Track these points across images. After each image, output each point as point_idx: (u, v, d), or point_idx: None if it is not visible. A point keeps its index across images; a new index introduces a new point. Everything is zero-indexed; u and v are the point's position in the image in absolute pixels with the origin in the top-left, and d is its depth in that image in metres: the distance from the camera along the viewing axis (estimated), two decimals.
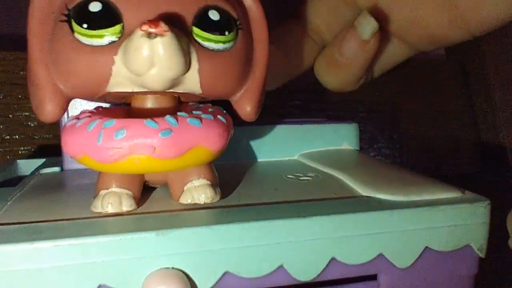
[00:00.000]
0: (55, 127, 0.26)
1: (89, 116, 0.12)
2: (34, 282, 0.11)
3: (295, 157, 0.20)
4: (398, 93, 0.43)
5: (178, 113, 0.12)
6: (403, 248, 0.13)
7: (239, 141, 0.20)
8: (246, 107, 0.14)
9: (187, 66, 0.12)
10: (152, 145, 0.11)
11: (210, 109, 0.13)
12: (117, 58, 0.12)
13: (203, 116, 0.12)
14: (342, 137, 0.21)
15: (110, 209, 0.12)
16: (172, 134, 0.11)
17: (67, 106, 0.13)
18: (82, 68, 0.12)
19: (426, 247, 0.13)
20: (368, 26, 0.20)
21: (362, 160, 0.19)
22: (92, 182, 0.14)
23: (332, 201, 0.14)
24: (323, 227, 0.12)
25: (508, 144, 0.46)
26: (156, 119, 0.12)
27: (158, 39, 0.11)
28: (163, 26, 0.11)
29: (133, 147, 0.11)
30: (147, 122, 0.12)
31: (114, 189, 0.13)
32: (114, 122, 0.12)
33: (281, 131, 0.20)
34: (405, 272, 0.13)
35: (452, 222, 0.13)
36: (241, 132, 0.19)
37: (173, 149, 0.11)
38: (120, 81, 0.12)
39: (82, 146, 0.12)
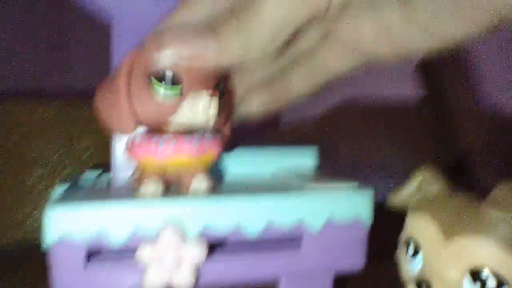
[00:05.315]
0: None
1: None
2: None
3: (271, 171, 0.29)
4: None
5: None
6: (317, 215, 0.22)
7: None
8: (225, 136, 0.24)
9: None
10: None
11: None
12: (183, 106, 0.21)
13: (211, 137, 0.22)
14: (305, 157, 0.30)
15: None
16: (198, 143, 0.21)
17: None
18: (154, 114, 0.21)
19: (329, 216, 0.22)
20: None
21: (308, 171, 0.28)
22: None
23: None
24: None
25: None
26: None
27: (213, 98, 0.21)
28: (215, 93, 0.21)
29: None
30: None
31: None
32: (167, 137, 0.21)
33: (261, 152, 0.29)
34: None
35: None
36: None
37: (197, 152, 0.21)
38: (178, 121, 0.21)
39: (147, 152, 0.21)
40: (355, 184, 0.23)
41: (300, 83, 0.25)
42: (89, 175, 0.30)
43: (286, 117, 0.44)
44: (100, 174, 0.29)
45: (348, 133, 0.46)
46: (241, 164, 0.28)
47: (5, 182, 0.38)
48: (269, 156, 0.29)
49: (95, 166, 0.36)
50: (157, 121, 0.21)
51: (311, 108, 0.44)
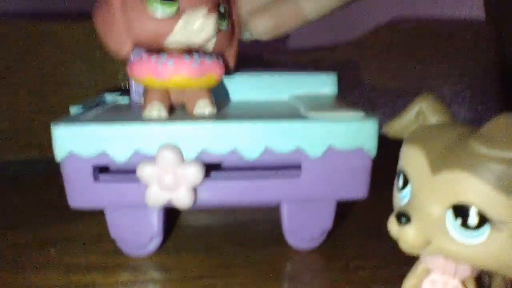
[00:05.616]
0: None
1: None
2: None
3: (287, 97, 0.29)
4: None
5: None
6: (317, 143, 0.21)
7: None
8: (229, 60, 0.24)
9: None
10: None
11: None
12: (178, 25, 0.20)
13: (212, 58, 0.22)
14: (323, 84, 0.29)
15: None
16: (198, 64, 0.21)
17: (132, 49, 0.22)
18: (150, 31, 0.21)
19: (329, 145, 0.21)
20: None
21: (323, 98, 0.27)
22: None
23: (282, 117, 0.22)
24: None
25: None
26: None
27: (210, 18, 0.20)
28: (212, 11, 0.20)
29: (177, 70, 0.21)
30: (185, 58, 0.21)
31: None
32: (166, 56, 0.21)
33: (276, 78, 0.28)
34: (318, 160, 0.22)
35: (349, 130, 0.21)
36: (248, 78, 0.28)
37: (196, 72, 0.21)
38: (174, 40, 0.21)
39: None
40: (362, 113, 0.22)
41: (308, 6, 0.24)
42: (109, 97, 0.31)
43: (315, 41, 0.41)
44: (118, 96, 0.30)
45: (385, 58, 0.43)
46: (256, 88, 0.28)
47: (44, 102, 0.40)
48: (285, 82, 0.28)
49: (119, 89, 0.37)
50: (153, 39, 0.21)
51: (344, 30, 0.41)
